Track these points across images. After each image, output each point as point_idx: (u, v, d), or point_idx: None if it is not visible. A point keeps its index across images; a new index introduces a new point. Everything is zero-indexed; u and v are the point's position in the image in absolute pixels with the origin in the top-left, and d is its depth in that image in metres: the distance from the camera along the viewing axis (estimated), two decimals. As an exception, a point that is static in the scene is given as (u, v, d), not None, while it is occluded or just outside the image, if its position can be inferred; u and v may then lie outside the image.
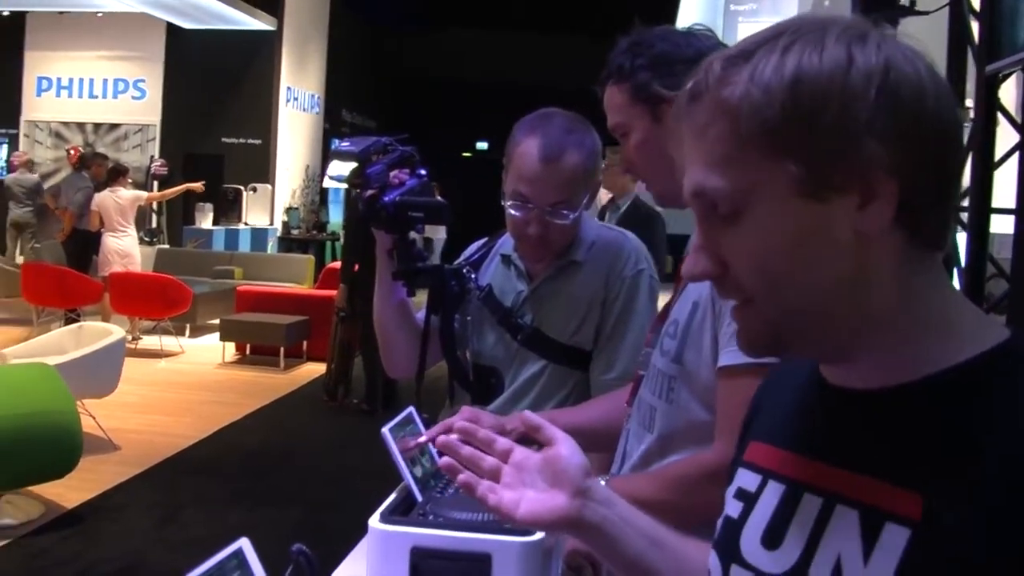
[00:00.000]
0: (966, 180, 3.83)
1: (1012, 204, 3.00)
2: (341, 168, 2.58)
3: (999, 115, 3.46)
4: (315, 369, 10.55)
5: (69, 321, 11.16)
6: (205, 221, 17.14)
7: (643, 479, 1.92)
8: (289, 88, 19.48)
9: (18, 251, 15.03)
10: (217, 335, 11.75)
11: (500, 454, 1.34)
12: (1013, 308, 3.03)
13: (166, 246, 16.30)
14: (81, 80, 18.92)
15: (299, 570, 1.49)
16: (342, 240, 10.48)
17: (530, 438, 1.49)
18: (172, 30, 18.39)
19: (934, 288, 1.04)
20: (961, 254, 3.81)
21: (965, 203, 3.84)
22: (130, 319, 12.02)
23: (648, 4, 2.10)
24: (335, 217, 19.78)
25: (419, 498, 2.01)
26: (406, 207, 2.45)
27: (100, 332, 7.82)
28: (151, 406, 9.08)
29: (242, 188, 17.98)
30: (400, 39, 24.69)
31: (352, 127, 22.28)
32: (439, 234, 16.41)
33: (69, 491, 6.29)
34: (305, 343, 11.52)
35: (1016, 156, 3.20)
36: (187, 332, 12.63)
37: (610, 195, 7.05)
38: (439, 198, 2.57)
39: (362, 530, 1.90)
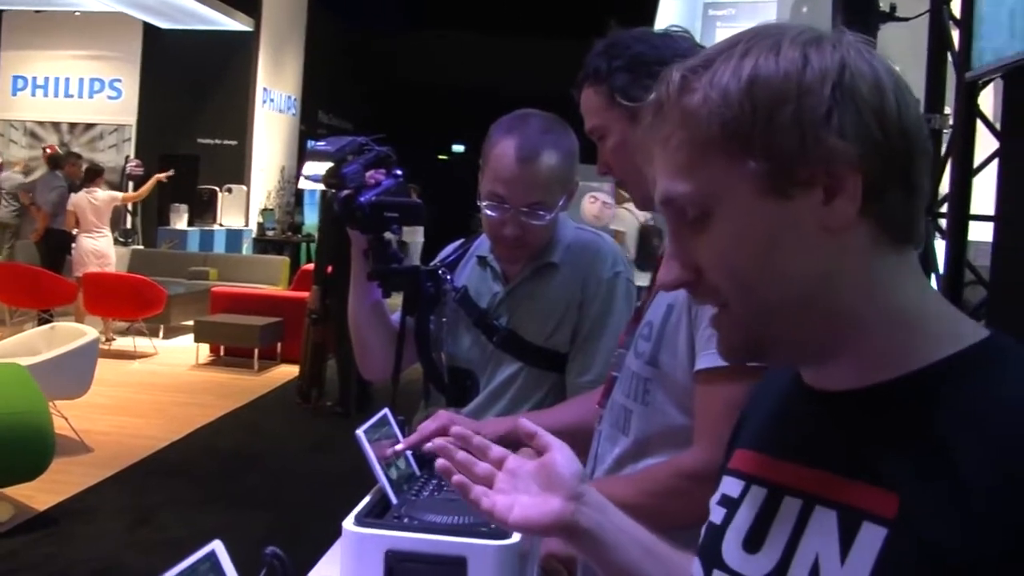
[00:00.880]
0: (944, 187, 3.85)
1: (991, 211, 3.00)
2: (317, 168, 2.57)
3: (978, 122, 3.48)
4: (289, 371, 10.53)
5: (42, 322, 11.09)
6: (180, 222, 17.08)
7: (620, 482, 1.90)
8: (265, 89, 19.43)
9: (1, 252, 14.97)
10: (191, 336, 11.71)
11: (494, 461, 1.33)
12: (991, 315, 3.04)
13: (140, 247, 16.25)
14: (57, 79, 18.81)
15: (272, 573, 1.47)
16: (316, 242, 10.45)
17: (509, 442, 1.48)
18: (149, 30, 18.31)
19: (908, 285, 1.05)
20: (940, 261, 3.83)
21: (944, 209, 3.86)
22: (104, 320, 11.97)
23: (626, 8, 2.09)
24: (310, 219, 19.71)
25: (394, 501, 1.99)
26: (382, 207, 2.43)
27: (73, 333, 7.77)
28: (124, 408, 9.03)
29: (217, 189, 17.92)
30: (377, 41, 24.67)
31: (328, 129, 22.23)
32: (417, 237, 16.38)
33: (40, 493, 6.26)
34: (279, 345, 11.51)
35: (995, 163, 3.22)
36: (161, 333, 12.59)
37: None
38: (415, 199, 2.55)
39: (336, 533, 1.89)
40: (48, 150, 14.95)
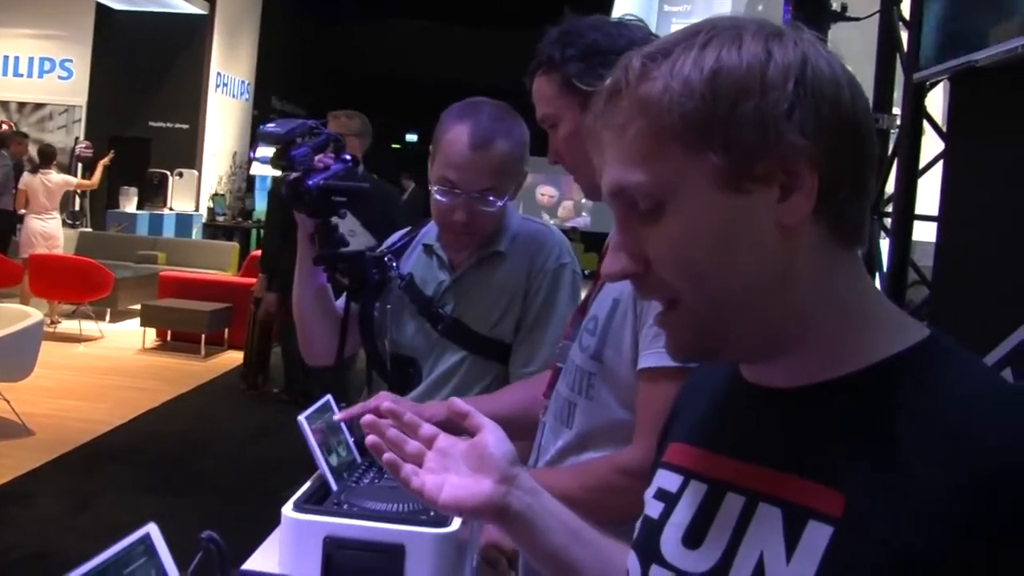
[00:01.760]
0: (890, 186, 3.89)
1: (935, 211, 3.04)
2: (269, 151, 2.56)
3: (925, 123, 3.52)
4: (236, 357, 10.43)
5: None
6: (129, 205, 16.92)
7: (559, 474, 1.90)
8: (219, 73, 19.29)
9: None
10: (138, 320, 11.59)
11: (424, 439, 1.31)
12: (933, 314, 3.08)
13: (89, 229, 16.07)
14: (6, 58, 18.51)
15: (208, 557, 1.46)
16: (264, 227, 10.33)
17: (450, 426, 1.47)
18: (101, 10, 18.08)
19: (855, 284, 1.05)
20: (884, 259, 3.86)
21: (889, 209, 3.89)
22: (49, 302, 11.82)
23: (582, 2, 2.08)
24: (261, 205, 19.61)
25: (334, 487, 1.99)
26: (330, 191, 2.43)
27: (17, 315, 7.66)
28: (68, 391, 8.94)
29: (168, 173, 17.78)
30: (332, 28, 24.55)
31: (281, 115, 22.08)
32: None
33: (-20, 475, 6.17)
34: (227, 331, 11.41)
35: (940, 164, 3.26)
36: (107, 317, 12.44)
37: None
38: (363, 184, 2.54)
39: (278, 519, 1.88)
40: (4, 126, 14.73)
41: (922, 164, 3.50)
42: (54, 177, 12.40)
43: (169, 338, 11.70)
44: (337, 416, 2.13)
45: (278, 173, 2.55)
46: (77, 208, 16.55)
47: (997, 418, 0.93)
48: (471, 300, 2.59)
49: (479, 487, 1.25)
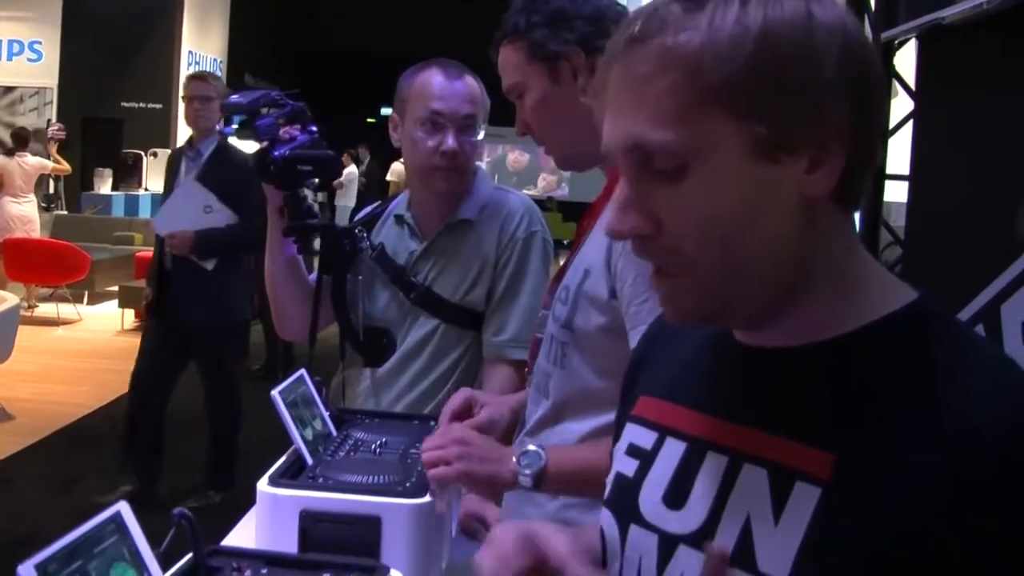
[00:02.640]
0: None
1: (906, 171, 3.05)
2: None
3: (895, 83, 3.52)
4: (216, 337, 10.41)
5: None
6: (104, 187, 16.82)
7: (587, 448, 1.85)
8: (191, 52, 19.17)
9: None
10: (116, 302, 11.57)
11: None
12: (905, 273, 3.09)
13: (64, 212, 15.98)
14: (-26, 41, 18.40)
15: (181, 533, 1.46)
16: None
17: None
18: (70, -10, 17.96)
19: (849, 248, 1.04)
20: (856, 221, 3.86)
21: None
22: (26, 286, 11.78)
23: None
24: (238, 183, 19.55)
25: (309, 461, 1.99)
26: (295, 161, 2.43)
27: (-10, 298, 7.65)
28: (47, 375, 8.92)
29: (142, 153, 17.66)
30: (303, 4, 24.39)
31: (255, 92, 22.00)
32: (348, 201, 16.26)
33: (-40, 461, 6.14)
34: (206, 310, 11.32)
35: (910, 124, 3.26)
36: (85, 299, 12.41)
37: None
38: (328, 151, 2.53)
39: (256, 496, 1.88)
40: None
41: (893, 124, 3.51)
42: (30, 160, 12.36)
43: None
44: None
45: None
46: (51, 191, 16.43)
47: (983, 382, 0.93)
48: (442, 268, 2.60)
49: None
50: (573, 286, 1.91)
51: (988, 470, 0.88)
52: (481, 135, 2.59)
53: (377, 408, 2.58)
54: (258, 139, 2.43)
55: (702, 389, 1.13)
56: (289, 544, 1.79)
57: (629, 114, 0.99)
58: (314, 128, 2.50)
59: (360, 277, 2.66)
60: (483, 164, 24.44)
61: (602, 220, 1.87)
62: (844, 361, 0.99)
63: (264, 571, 1.54)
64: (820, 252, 1.01)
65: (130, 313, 11.52)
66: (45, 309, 11.85)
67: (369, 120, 24.73)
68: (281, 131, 2.45)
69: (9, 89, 18.36)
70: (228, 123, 2.48)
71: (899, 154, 3.40)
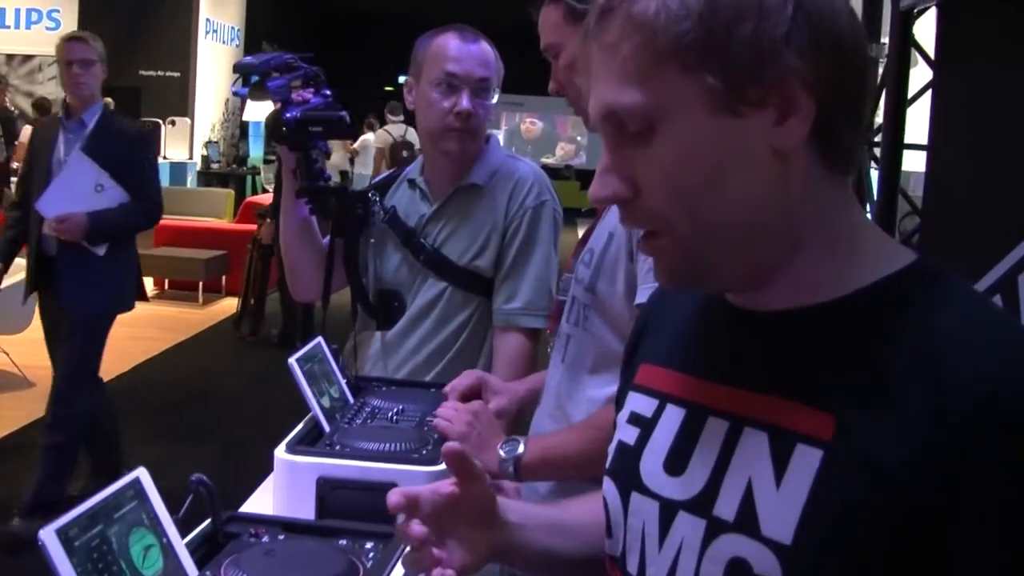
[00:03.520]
0: (879, 117, 3.88)
1: (924, 140, 3.04)
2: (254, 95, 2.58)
3: (914, 52, 3.51)
4: (234, 304, 10.44)
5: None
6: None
7: (566, 434, 1.93)
8: (208, 20, 19.17)
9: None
10: (135, 269, 11.55)
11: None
12: (923, 243, 3.09)
13: (83, 180, 16.01)
14: (-8, 9, 18.42)
15: (198, 499, 1.48)
16: (276, 174, 10.10)
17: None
18: (87, -42, 17.94)
19: (845, 211, 1.05)
20: (875, 190, 3.86)
21: (878, 139, 3.88)
22: (46, 254, 11.79)
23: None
24: (255, 151, 19.56)
25: (326, 428, 2.01)
26: (306, 122, 2.44)
27: (14, 268, 7.64)
28: (67, 342, 8.90)
29: (160, 122, 17.68)
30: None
31: (274, 60, 21.99)
32: (365, 169, 16.24)
33: (-18, 428, 6.16)
34: (224, 278, 11.42)
35: (929, 93, 3.25)
36: (104, 267, 12.40)
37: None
38: (339, 112, 2.54)
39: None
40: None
41: (912, 93, 3.50)
42: None
43: (167, 287, 11.71)
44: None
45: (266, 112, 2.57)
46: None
47: (980, 344, 0.93)
48: (450, 231, 2.64)
49: (476, 557, 1.23)
50: (597, 249, 1.95)
51: (990, 429, 0.89)
52: (495, 99, 2.61)
53: (385, 372, 2.62)
54: (270, 100, 2.45)
55: (700, 355, 1.14)
56: (306, 510, 1.81)
57: (602, 83, 1.03)
58: (328, 92, 2.51)
59: (372, 240, 2.68)
60: (500, 132, 24.46)
61: None
62: (843, 323, 1.00)
63: (281, 537, 1.57)
64: (808, 213, 1.02)
65: (149, 281, 11.55)
66: (65, 277, 11.85)
67: (387, 88, 24.73)
68: (294, 94, 2.47)
69: (28, 58, 18.38)
70: (245, 84, 2.51)
71: (918, 124, 3.39)
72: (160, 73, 18.73)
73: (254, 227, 9.76)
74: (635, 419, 1.18)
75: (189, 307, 11.00)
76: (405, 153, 14.43)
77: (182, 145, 18.21)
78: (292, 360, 2.04)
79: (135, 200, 5.11)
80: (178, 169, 17.65)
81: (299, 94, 2.48)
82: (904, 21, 3.44)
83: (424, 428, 2.06)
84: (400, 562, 1.45)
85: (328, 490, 1.83)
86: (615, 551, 1.17)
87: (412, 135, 15.43)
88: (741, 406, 1.04)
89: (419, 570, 1.20)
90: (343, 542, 1.56)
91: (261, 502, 2.01)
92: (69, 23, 18.21)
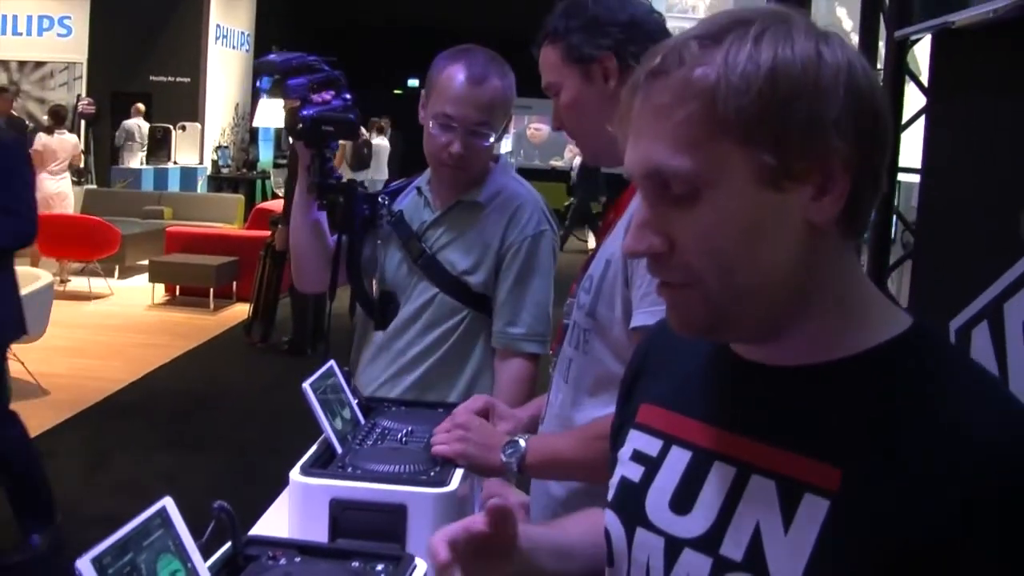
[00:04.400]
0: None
1: (918, 164, 3.11)
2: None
3: (907, 79, 3.58)
4: (245, 310, 10.51)
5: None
6: (133, 160, 16.93)
7: (563, 438, 2.02)
8: (218, 25, 19.25)
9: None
10: (146, 276, 11.66)
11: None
12: (916, 265, 3.15)
13: (94, 186, 16.11)
14: (4, 17, 18.45)
15: (221, 525, 1.56)
16: (275, 178, 10.12)
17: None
18: (98, -35, 18.03)
19: (851, 274, 1.11)
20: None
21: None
22: (58, 261, 11.90)
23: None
24: (265, 155, 19.64)
25: (338, 450, 2.08)
26: (320, 121, 2.56)
27: (27, 277, 7.68)
28: (80, 350, 9.03)
29: (171, 127, 17.78)
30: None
31: (284, 65, 22.02)
32: (380, 174, 16.24)
33: (-3, 437, 6.23)
34: (235, 284, 11.50)
35: (923, 118, 3.33)
36: (116, 273, 12.51)
37: None
38: (351, 115, 2.64)
39: (288, 473, 1.97)
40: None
41: (906, 118, 3.57)
42: (68, 138, 12.53)
43: (178, 293, 11.76)
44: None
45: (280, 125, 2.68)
46: (82, 165, 16.60)
47: (979, 404, 1.01)
48: (448, 241, 2.74)
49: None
50: (596, 276, 2.03)
51: (990, 489, 0.96)
52: (491, 139, 2.67)
53: (378, 370, 2.75)
54: (288, 98, 2.57)
55: (705, 401, 1.19)
56: (320, 530, 1.89)
57: (649, 141, 1.05)
58: (348, 95, 2.61)
59: (379, 242, 2.79)
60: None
61: (628, 213, 2.00)
62: (849, 382, 1.06)
63: (297, 560, 1.65)
64: (822, 277, 1.07)
65: (160, 288, 11.65)
66: (77, 284, 11.95)
67: (396, 92, 24.78)
68: (315, 95, 2.57)
69: (40, 64, 18.48)
70: (262, 80, 2.62)
71: (913, 147, 3.46)
72: (170, 79, 18.84)
73: (265, 233, 9.81)
74: (639, 457, 1.23)
75: (200, 313, 11.07)
76: (366, 150, 15.22)
77: (192, 150, 18.29)
78: (306, 385, 2.11)
79: (9, 217, 4.51)
80: (188, 174, 17.74)
81: (320, 95, 2.57)
82: (899, 50, 3.52)
83: (432, 449, 2.13)
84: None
85: (340, 511, 1.90)
86: None
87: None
88: (748, 454, 1.10)
89: None
90: (355, 564, 1.64)
91: (275, 521, 2.09)
92: (80, 30, 18.34)
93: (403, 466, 2.00)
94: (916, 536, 0.97)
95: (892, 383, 1.05)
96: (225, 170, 18.91)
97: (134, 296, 11.83)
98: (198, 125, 18.52)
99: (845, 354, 1.08)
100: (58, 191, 12.39)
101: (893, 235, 3.89)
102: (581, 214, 17.47)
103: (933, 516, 0.96)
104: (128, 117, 17.19)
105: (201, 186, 17.96)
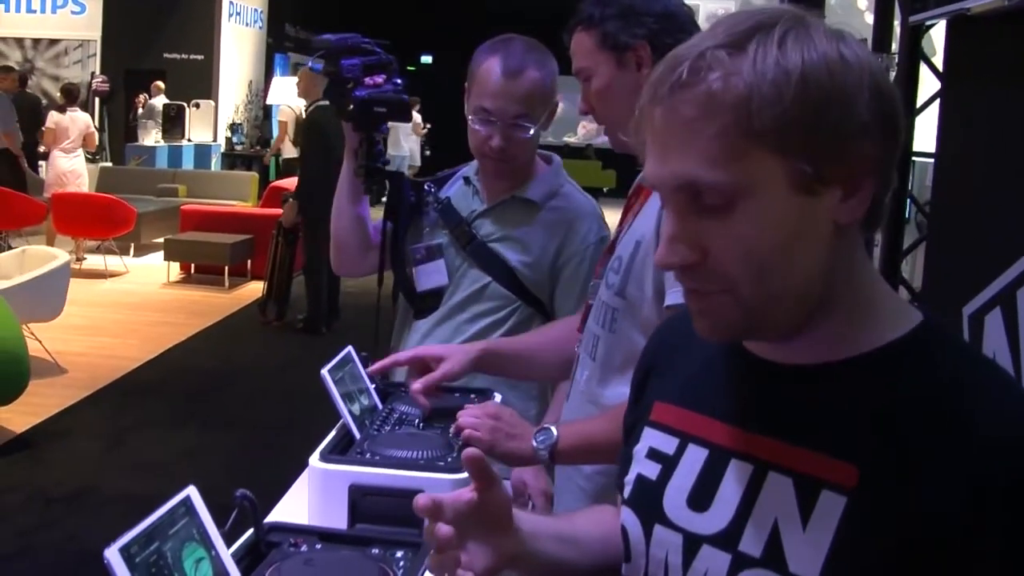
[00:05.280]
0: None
1: (932, 149, 3.12)
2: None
3: (922, 63, 3.58)
4: (259, 288, 10.54)
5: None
6: (148, 138, 16.96)
7: (594, 422, 2.04)
8: (232, 2, 19.22)
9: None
10: (161, 254, 11.69)
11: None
12: (930, 250, 3.17)
13: (109, 164, 16.13)
14: (19, -6, 18.52)
15: (244, 513, 1.59)
16: (300, 156, 10.01)
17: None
18: (112, -58, 18.02)
19: (866, 271, 1.13)
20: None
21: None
22: (74, 239, 11.95)
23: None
24: (278, 133, 19.63)
25: (357, 436, 2.10)
26: (372, 102, 2.54)
27: (44, 256, 7.77)
28: (97, 328, 9.08)
29: (185, 104, 17.78)
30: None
31: (296, 42, 22.02)
32: (398, 150, 16.19)
33: (17, 416, 6.33)
34: (249, 262, 11.54)
35: (936, 103, 3.33)
36: (131, 251, 12.56)
37: None
38: (404, 96, 2.63)
39: (305, 451, 2.00)
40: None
41: (920, 102, 3.57)
42: (80, 115, 12.54)
43: (193, 271, 11.82)
44: (370, 369, 2.25)
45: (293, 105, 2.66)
46: (96, 144, 16.63)
47: (990, 399, 1.04)
48: (499, 231, 2.73)
49: (495, 561, 1.25)
50: (626, 256, 2.06)
51: (1000, 482, 0.98)
52: (532, 131, 2.63)
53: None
54: (340, 76, 2.54)
55: (720, 399, 1.21)
56: (339, 515, 1.91)
57: (677, 155, 1.05)
58: (399, 80, 2.60)
59: (426, 229, 2.77)
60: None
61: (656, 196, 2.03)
62: (863, 380, 1.08)
63: (318, 546, 1.68)
64: (842, 275, 1.09)
65: (175, 266, 11.68)
66: (92, 262, 11.99)
67: (409, 68, 24.74)
68: (367, 78, 2.56)
69: (54, 42, 18.50)
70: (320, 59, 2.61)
71: (927, 132, 3.47)
72: (184, 56, 18.82)
73: (279, 211, 9.82)
74: (655, 455, 1.25)
75: (215, 291, 11.11)
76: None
77: (206, 127, 18.30)
78: (324, 371, 2.13)
79: None
80: (202, 151, 17.75)
81: (372, 78, 2.57)
82: (913, 35, 3.53)
83: (449, 434, 2.15)
84: (427, 569, 1.56)
85: (360, 496, 1.93)
86: None
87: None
88: (765, 452, 1.12)
89: (442, 571, 1.23)
90: (375, 550, 1.66)
91: (294, 506, 2.12)
92: (94, 8, 18.34)
93: (420, 452, 2.02)
94: (931, 530, 0.99)
95: (904, 380, 1.06)
96: (239, 147, 18.92)
97: (149, 274, 11.86)
98: (212, 102, 18.51)
99: (859, 351, 1.09)
100: (71, 168, 12.39)
101: (908, 215, 3.91)
102: None
103: (947, 510, 0.99)
104: (143, 93, 17.20)
105: (215, 163, 17.98)
